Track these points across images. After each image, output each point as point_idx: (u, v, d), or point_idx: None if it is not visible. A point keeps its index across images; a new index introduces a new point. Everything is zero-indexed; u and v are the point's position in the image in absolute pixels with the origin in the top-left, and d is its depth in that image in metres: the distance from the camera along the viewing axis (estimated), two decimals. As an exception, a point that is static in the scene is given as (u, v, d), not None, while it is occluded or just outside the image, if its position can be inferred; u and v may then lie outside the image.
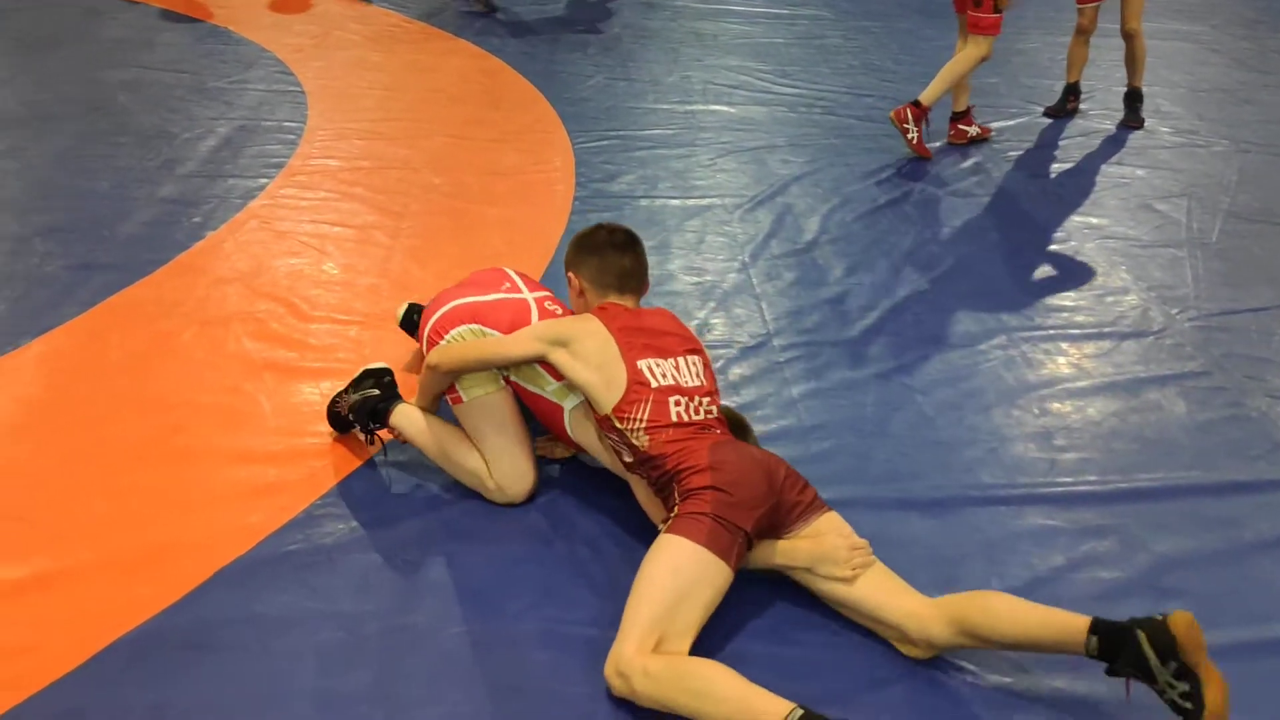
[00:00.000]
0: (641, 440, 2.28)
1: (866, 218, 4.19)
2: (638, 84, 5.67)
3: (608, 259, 2.54)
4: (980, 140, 5.01)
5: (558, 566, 2.36)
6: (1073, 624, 1.94)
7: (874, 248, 3.95)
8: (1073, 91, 5.40)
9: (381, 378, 2.71)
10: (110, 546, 2.35)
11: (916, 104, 4.69)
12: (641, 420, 2.29)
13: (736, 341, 3.28)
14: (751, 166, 4.64)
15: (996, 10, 4.59)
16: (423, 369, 2.60)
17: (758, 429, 2.69)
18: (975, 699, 2.05)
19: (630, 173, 4.53)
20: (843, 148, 4.88)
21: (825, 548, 2.17)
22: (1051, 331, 3.40)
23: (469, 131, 4.88)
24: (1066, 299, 3.62)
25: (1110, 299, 3.63)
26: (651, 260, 3.70)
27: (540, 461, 2.63)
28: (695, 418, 2.32)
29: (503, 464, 2.49)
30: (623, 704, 1.98)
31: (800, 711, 1.82)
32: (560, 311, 2.68)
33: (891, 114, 4.74)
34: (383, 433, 2.64)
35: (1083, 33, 5.26)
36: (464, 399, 2.53)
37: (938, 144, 4.93)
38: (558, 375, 2.46)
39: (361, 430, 2.65)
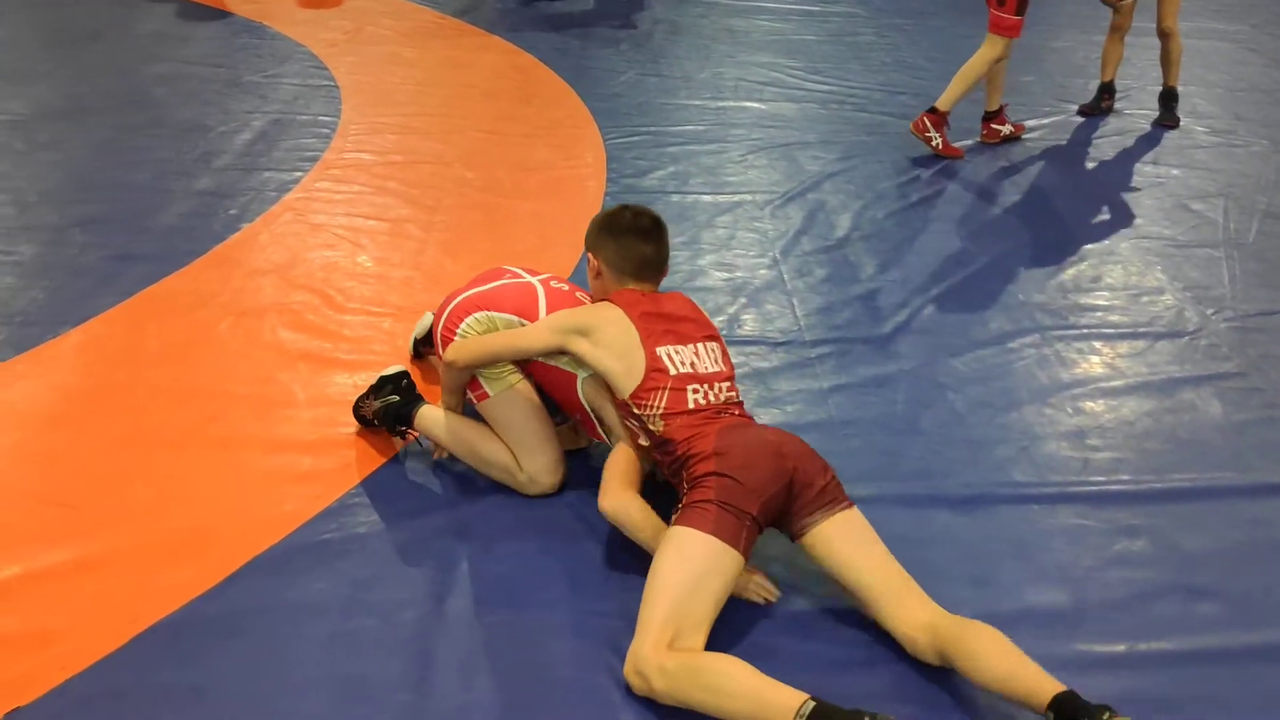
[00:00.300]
0: (657, 425, 2.29)
1: (898, 215, 4.18)
2: (669, 80, 5.68)
3: (629, 245, 2.52)
4: (1013, 139, 4.98)
5: (586, 558, 2.37)
6: (1038, 691, 1.86)
7: (906, 245, 3.94)
8: (1107, 90, 5.36)
9: (400, 382, 2.70)
10: (149, 532, 2.38)
11: (933, 110, 4.68)
12: (659, 407, 2.29)
13: (768, 337, 3.28)
14: (783, 163, 4.64)
15: (1019, 12, 4.54)
16: (441, 367, 2.61)
17: (789, 424, 2.69)
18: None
19: (661, 168, 4.54)
20: (874, 145, 4.86)
21: (742, 580, 2.21)
22: (1085, 331, 3.38)
23: (501, 127, 4.90)
24: (1100, 298, 3.60)
25: (1145, 299, 3.60)
26: (682, 256, 3.74)
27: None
28: (712, 402, 2.32)
29: (533, 455, 2.51)
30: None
31: (813, 704, 1.81)
32: (567, 288, 2.68)
33: (911, 127, 4.73)
34: (411, 434, 2.67)
35: (1118, 30, 5.22)
36: (489, 394, 2.55)
37: (969, 142, 4.90)
38: None
39: (390, 432, 2.67)
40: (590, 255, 2.58)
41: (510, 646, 2.13)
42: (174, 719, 1.94)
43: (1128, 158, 4.87)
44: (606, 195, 4.24)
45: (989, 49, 4.64)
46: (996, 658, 1.94)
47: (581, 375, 2.50)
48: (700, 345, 2.42)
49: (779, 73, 5.83)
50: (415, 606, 2.21)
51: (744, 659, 1.94)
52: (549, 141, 4.78)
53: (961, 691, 2.04)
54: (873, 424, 2.89)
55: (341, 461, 2.64)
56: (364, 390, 2.75)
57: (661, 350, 2.36)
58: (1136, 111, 5.39)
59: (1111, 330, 3.40)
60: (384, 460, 2.65)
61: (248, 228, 3.84)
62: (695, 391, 2.32)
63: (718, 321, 3.27)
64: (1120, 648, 2.18)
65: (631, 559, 2.34)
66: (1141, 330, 3.40)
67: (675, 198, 4.27)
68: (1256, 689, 2.09)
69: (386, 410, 2.65)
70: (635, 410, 2.33)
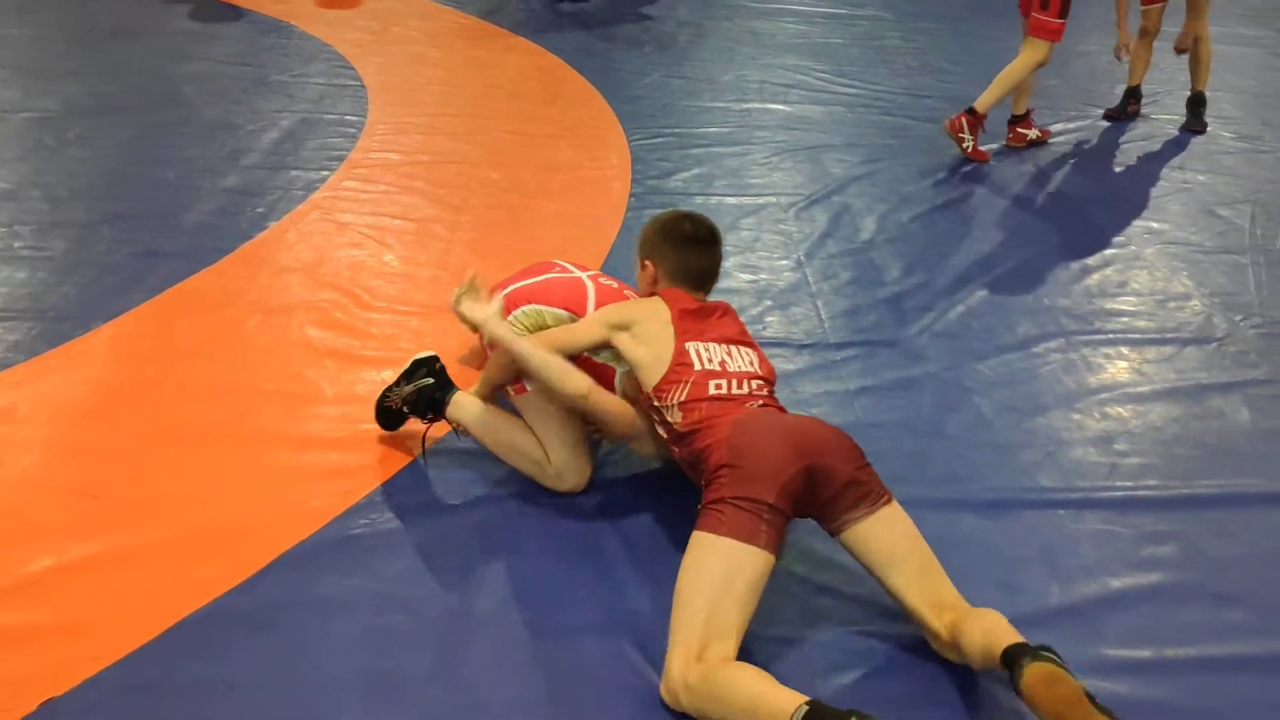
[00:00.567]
0: (675, 416, 2.28)
1: (924, 218, 4.18)
2: (694, 82, 5.69)
3: (689, 257, 2.53)
4: (1039, 144, 4.97)
5: (614, 556, 2.38)
6: (999, 649, 1.88)
7: (932, 249, 3.93)
8: (1134, 95, 5.34)
9: (432, 365, 2.71)
10: (179, 526, 2.40)
11: (971, 111, 4.64)
12: (679, 398, 2.29)
13: (792, 339, 3.29)
14: (807, 165, 4.64)
15: (1062, 15, 4.53)
16: (490, 362, 2.62)
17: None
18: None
19: (686, 170, 4.55)
20: (900, 148, 4.86)
21: None
22: (1112, 336, 3.37)
23: (526, 127, 4.92)
24: (1127, 304, 3.59)
25: (1172, 304, 3.59)
26: (707, 257, 3.75)
27: (595, 450, 2.64)
28: (734, 393, 2.29)
29: (563, 453, 2.52)
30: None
31: (807, 707, 1.79)
32: (615, 285, 2.69)
33: (945, 124, 4.68)
34: (438, 425, 2.67)
35: (1146, 35, 5.21)
36: (528, 387, 2.56)
37: (995, 146, 4.89)
38: None
39: (420, 418, 2.67)
40: (646, 262, 2.57)
41: (539, 644, 2.14)
42: (206, 712, 1.96)
43: (1154, 163, 4.86)
44: (631, 196, 4.26)
45: (1032, 53, 4.60)
46: (979, 631, 1.94)
47: (620, 369, 2.51)
48: (735, 348, 2.41)
49: (804, 75, 5.83)
50: (444, 603, 2.23)
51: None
52: (574, 142, 4.79)
53: (995, 697, 2.04)
54: (899, 427, 2.89)
55: (370, 458, 2.66)
56: (389, 384, 2.74)
57: (691, 345, 2.36)
58: (1163, 116, 5.37)
59: (1138, 336, 3.38)
60: (412, 457, 2.67)
61: (275, 226, 3.87)
62: (718, 387, 2.30)
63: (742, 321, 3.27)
64: (1146, 654, 2.18)
65: (660, 557, 2.35)
66: (1169, 336, 3.39)
67: (700, 199, 4.28)
68: (1285, 697, 2.09)
69: (420, 395, 2.65)
70: (656, 403, 2.34)
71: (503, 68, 5.81)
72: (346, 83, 5.40)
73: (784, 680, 1.90)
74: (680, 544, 2.35)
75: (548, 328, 2.59)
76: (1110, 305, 3.57)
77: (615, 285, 2.70)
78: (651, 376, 2.35)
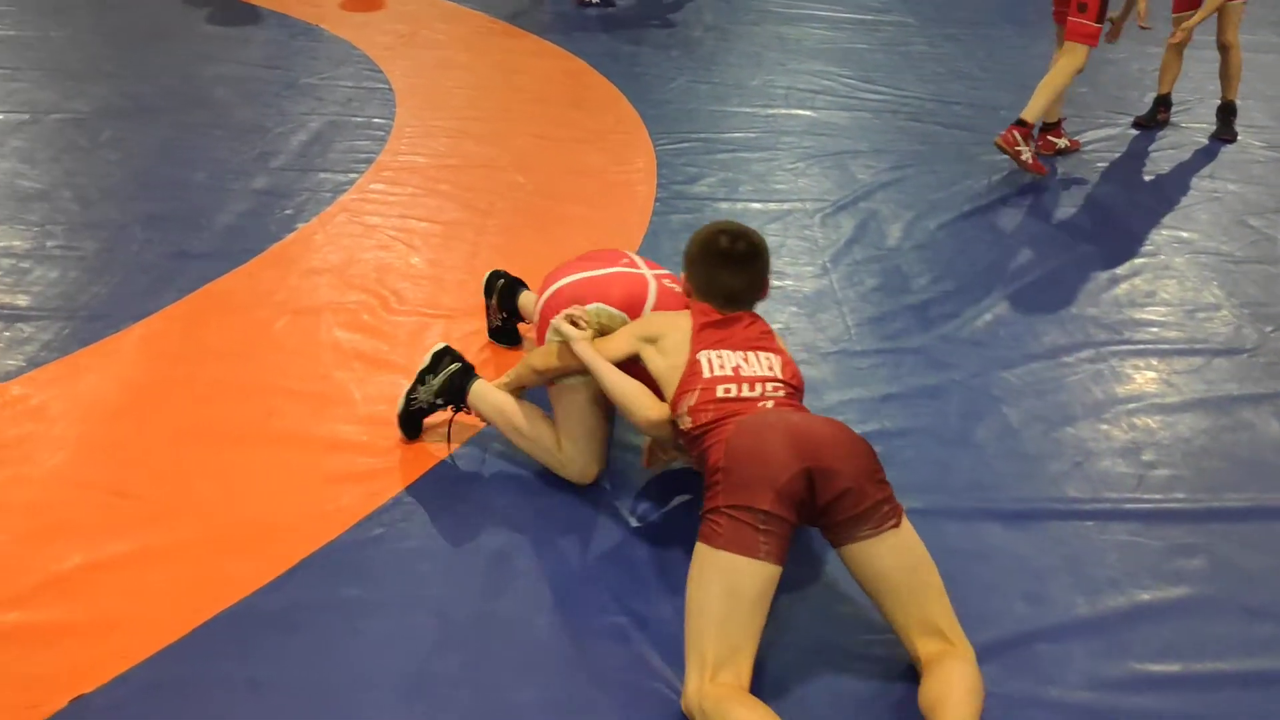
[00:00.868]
0: (685, 422, 2.27)
1: (951, 226, 4.16)
2: (720, 87, 5.69)
3: (718, 275, 2.44)
4: (1069, 152, 4.94)
5: (640, 560, 2.39)
6: None
7: (959, 256, 3.92)
8: (1163, 103, 5.31)
9: (452, 351, 2.74)
10: (209, 524, 2.42)
11: (1021, 123, 4.55)
12: (688, 405, 2.26)
13: (818, 346, 3.28)
14: (834, 172, 4.63)
15: (1100, 20, 4.50)
16: (524, 364, 2.62)
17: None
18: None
19: (711, 175, 4.55)
20: (927, 155, 4.84)
21: None
22: (1141, 346, 3.35)
23: (553, 131, 4.93)
24: (1156, 314, 3.56)
25: (1201, 315, 3.56)
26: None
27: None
28: (745, 395, 2.24)
29: (577, 443, 2.54)
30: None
31: None
32: (679, 289, 2.64)
33: (998, 140, 4.53)
34: (460, 416, 2.69)
35: (1178, 44, 5.16)
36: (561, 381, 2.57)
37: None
38: None
39: (454, 405, 2.68)
40: (684, 271, 2.54)
41: (566, 645, 2.15)
42: (233, 711, 1.98)
43: (1184, 171, 4.82)
44: (656, 201, 4.26)
45: (1071, 58, 4.56)
46: (933, 698, 1.91)
47: None
48: (753, 353, 2.35)
49: (831, 81, 5.82)
50: (470, 605, 2.24)
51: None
52: (600, 146, 4.80)
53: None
54: (924, 434, 2.88)
55: (397, 459, 2.67)
56: (410, 387, 2.74)
57: (704, 354, 2.32)
58: (1193, 125, 5.33)
59: (1167, 346, 3.36)
60: (439, 459, 2.68)
61: (303, 228, 3.89)
62: (727, 391, 2.25)
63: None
64: (1175, 668, 2.16)
65: (686, 561, 2.35)
66: (1198, 346, 3.36)
67: (725, 205, 4.28)
68: (1316, 713, 2.07)
69: (450, 382, 2.67)
70: (674, 412, 2.33)
71: (529, 71, 5.83)
72: (375, 86, 5.43)
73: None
74: (705, 550, 2.36)
75: (609, 331, 2.53)
76: (1139, 315, 3.55)
77: (678, 289, 2.64)
78: (669, 387, 2.35)
